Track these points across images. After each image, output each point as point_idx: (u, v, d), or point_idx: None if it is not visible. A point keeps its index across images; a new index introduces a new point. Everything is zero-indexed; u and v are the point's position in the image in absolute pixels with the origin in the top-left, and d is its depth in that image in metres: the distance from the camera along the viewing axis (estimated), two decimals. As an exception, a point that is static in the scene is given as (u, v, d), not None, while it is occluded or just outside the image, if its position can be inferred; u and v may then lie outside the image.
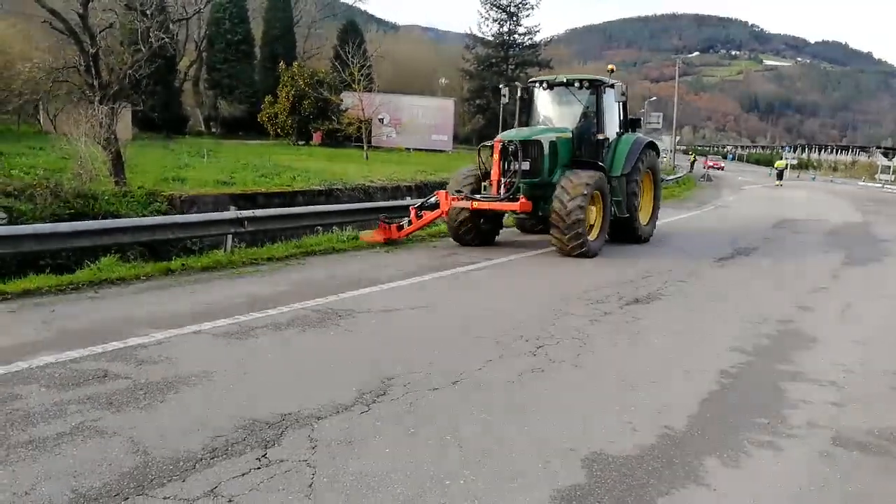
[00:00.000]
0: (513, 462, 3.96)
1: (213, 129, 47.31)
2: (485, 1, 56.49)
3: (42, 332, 6.16)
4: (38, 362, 5.31)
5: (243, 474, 3.68)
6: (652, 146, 13.84)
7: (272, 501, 3.43)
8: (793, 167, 60.68)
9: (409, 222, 11.94)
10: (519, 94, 13.52)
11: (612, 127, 12.94)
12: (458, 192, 11.72)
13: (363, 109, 36.88)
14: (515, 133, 11.98)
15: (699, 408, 4.94)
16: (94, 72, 15.35)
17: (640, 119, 15.48)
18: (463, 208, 11.51)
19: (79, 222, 9.57)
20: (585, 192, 10.81)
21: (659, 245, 13.47)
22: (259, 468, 3.76)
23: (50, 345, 5.78)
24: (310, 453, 3.96)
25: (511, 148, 11.34)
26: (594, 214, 11.57)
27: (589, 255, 11.07)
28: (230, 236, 10.44)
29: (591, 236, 11.42)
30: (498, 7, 56.12)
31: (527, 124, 13.23)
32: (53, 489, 3.46)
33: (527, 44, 57.59)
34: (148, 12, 17.61)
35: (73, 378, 5.01)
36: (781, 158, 59.57)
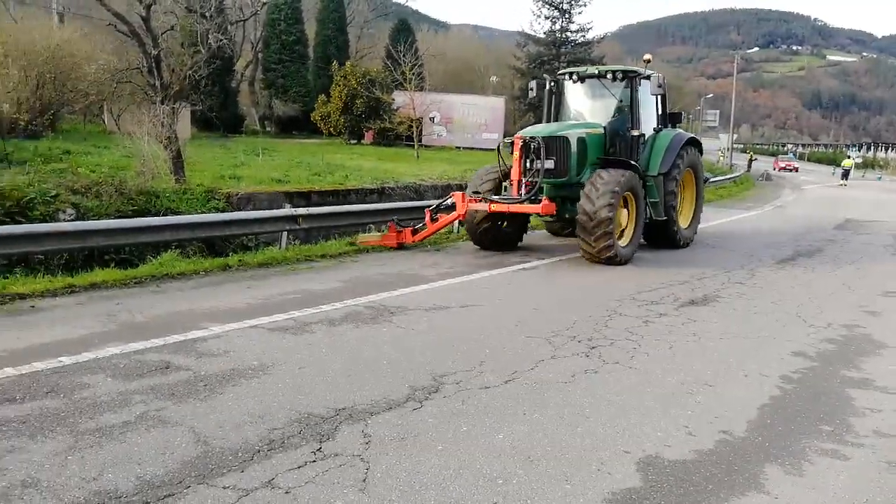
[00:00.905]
0: (566, 463, 3.92)
1: (268, 129, 48.27)
2: (537, -2, 56.06)
3: (108, 324, 6.39)
4: (104, 353, 5.52)
5: (299, 467, 3.75)
6: (693, 143, 12.85)
7: (327, 494, 3.48)
8: (857, 166, 58.37)
9: (424, 226, 11.26)
10: (548, 87, 12.57)
11: (648, 122, 12.03)
12: (476, 193, 10.97)
13: (414, 108, 37.06)
14: (539, 129, 11.18)
15: (759, 413, 4.80)
16: (156, 73, 15.81)
17: (680, 113, 14.12)
18: (482, 210, 10.74)
19: (142, 219, 9.92)
20: (615, 194, 9.92)
21: (714, 246, 13.15)
22: (314, 461, 3.82)
23: (115, 336, 6.00)
24: (363, 448, 4.00)
25: (533, 145, 10.48)
26: (625, 217, 10.71)
27: (619, 261, 10.17)
28: (285, 233, 10.64)
29: (623, 241, 10.61)
30: (550, 4, 55.59)
31: (557, 120, 12.38)
32: (119, 476, 3.59)
33: (579, 41, 56.89)
34: (207, 14, 18.08)
35: (137, 369, 5.19)
36: (847, 157, 57.24)
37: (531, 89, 12.87)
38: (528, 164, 10.53)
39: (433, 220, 11.16)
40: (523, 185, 10.51)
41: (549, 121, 12.33)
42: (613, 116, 11.66)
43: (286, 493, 3.47)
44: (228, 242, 12.00)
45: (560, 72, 12.75)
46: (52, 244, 8.30)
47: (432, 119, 45.31)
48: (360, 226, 12.67)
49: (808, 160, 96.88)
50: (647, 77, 11.71)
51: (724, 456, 4.11)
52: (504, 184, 11.08)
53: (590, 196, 9.95)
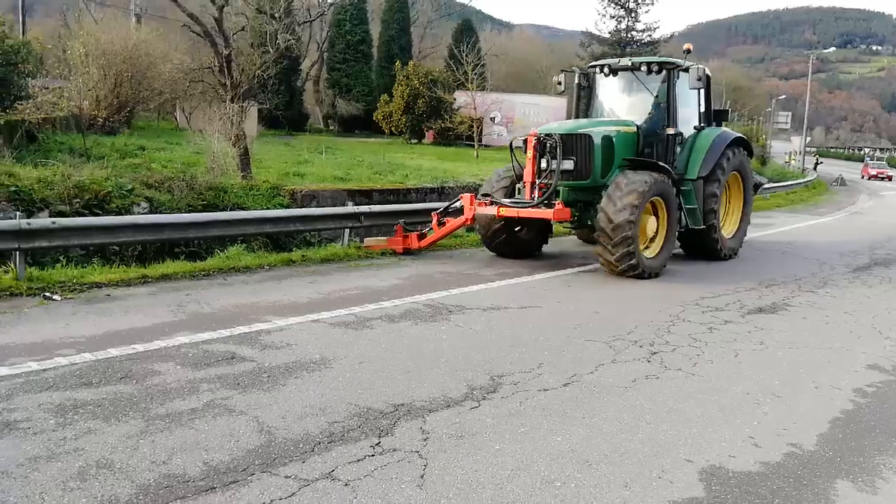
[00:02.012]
0: (626, 468, 3.86)
1: (331, 127, 49.13)
2: (603, -3, 55.24)
3: (178, 314, 6.64)
4: (174, 342, 5.73)
5: (358, 460, 3.81)
6: (740, 143, 11.58)
7: (385, 489, 3.52)
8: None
9: (432, 230, 10.49)
10: (577, 80, 11.47)
11: (688, 120, 10.92)
12: (486, 195, 10.05)
13: (475, 108, 37.08)
14: (557, 125, 10.28)
15: (830, 427, 4.61)
16: (226, 72, 16.31)
17: (727, 111, 12.82)
18: (491, 214, 9.80)
19: (212, 213, 10.24)
20: (640, 195, 8.98)
21: (784, 252, 12.69)
22: (373, 455, 3.87)
23: (184, 326, 6.22)
24: (421, 445, 4.03)
25: (549, 143, 9.46)
26: (653, 225, 9.67)
27: (643, 274, 9.21)
28: (347, 230, 10.81)
29: (650, 252, 9.62)
30: (616, 3, 54.73)
31: (588, 117, 11.35)
32: (187, 461, 3.72)
33: (645, 41, 55.82)
34: (276, 16, 18.53)
35: (204, 358, 5.37)
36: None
37: (558, 83, 11.67)
38: (544, 165, 9.59)
39: (440, 224, 10.38)
40: (537, 188, 9.53)
41: (577, 118, 11.39)
42: (650, 113, 10.66)
43: (345, 485, 3.53)
44: (292, 238, 12.27)
45: (590, 64, 11.69)
46: (128, 236, 8.67)
47: (493, 119, 45.22)
48: (419, 224, 12.74)
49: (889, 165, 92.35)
50: (686, 69, 10.48)
51: (793, 469, 3.96)
52: (518, 185, 10.10)
53: (612, 198, 9.06)
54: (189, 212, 10.89)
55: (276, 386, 4.85)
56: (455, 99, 41.46)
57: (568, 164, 9.53)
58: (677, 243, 10.89)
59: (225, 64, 16.20)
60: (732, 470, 3.91)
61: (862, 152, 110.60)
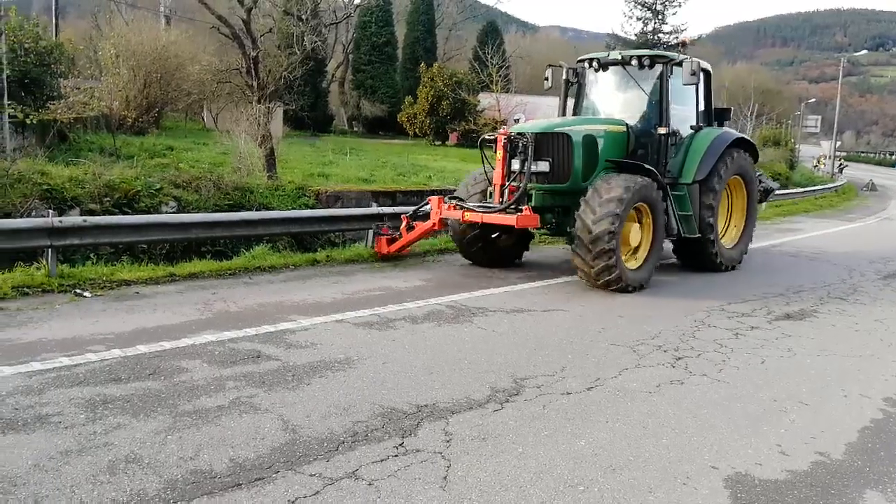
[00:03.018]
0: (650, 474, 3.84)
1: (356, 128, 49.40)
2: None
3: (204, 313, 6.72)
4: (201, 340, 5.81)
5: (382, 460, 3.83)
6: (742, 144, 10.65)
7: (408, 489, 3.54)
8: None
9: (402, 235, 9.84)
10: (564, 76, 10.56)
11: (683, 118, 10.04)
12: (454, 198, 9.33)
13: (499, 110, 37.07)
14: (531, 124, 9.50)
15: (859, 436, 4.54)
16: (253, 73, 16.51)
17: (729, 109, 11.69)
18: (459, 219, 9.05)
19: (239, 213, 10.36)
20: (618, 211, 8.14)
21: (813, 258, 12.50)
22: (397, 455, 3.89)
23: (211, 324, 6.30)
24: (444, 446, 4.05)
25: (522, 142, 8.70)
26: (637, 234, 8.90)
27: (627, 288, 8.46)
28: (371, 231, 10.86)
29: (633, 263, 8.84)
30: (643, 5, 54.33)
31: (576, 115, 10.57)
32: (214, 457, 3.77)
33: (671, 43, 55.36)
34: (303, 17, 18.71)
35: (230, 356, 5.43)
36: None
37: (546, 78, 10.87)
38: (517, 166, 8.76)
39: (409, 228, 9.71)
40: (507, 191, 8.76)
41: (565, 118, 10.47)
42: (644, 112, 9.87)
43: (369, 484, 3.56)
44: (317, 238, 12.37)
45: (579, 58, 10.69)
46: (156, 234, 8.80)
47: (517, 121, 44.85)
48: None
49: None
50: (679, 63, 9.50)
51: (820, 478, 3.91)
52: (489, 188, 9.23)
53: (591, 205, 8.30)
54: (216, 211, 11.03)
55: (301, 385, 4.89)
56: (479, 101, 41.46)
57: (543, 166, 8.81)
58: (671, 253, 10.49)
59: (252, 65, 16.39)
60: (759, 478, 3.87)
61: (893, 157, 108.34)
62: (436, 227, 9.35)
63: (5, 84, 12.65)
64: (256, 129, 15.80)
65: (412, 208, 10.34)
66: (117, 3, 32.68)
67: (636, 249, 8.99)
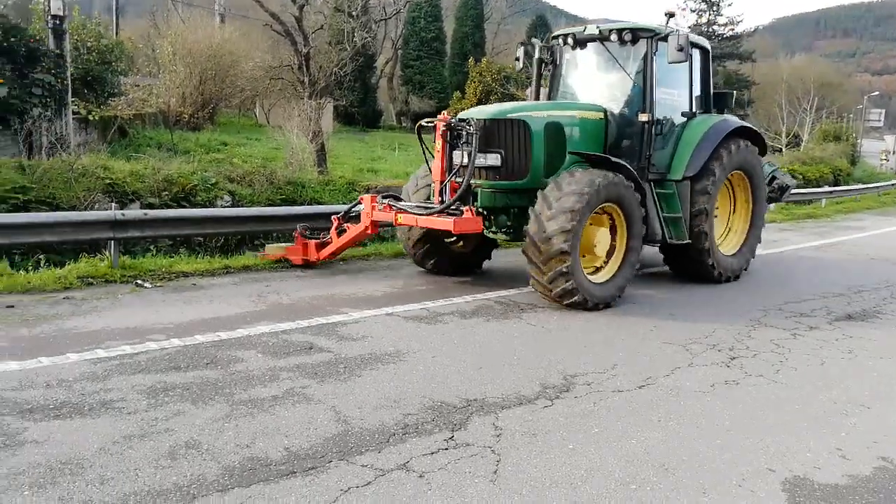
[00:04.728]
0: (704, 475, 3.77)
1: (404, 124, 49.66)
2: (682, -10, 53.65)
3: (259, 304, 6.88)
4: (255, 331, 5.95)
5: (432, 453, 3.86)
6: (745, 133, 9.13)
7: (459, 482, 3.56)
8: None
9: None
10: (537, 55, 9.20)
11: (672, 103, 8.62)
12: (388, 197, 8.18)
13: (549, 105, 36.77)
14: (478, 110, 8.25)
15: (926, 442, 4.37)
16: (305, 70, 16.77)
17: (731, 94, 9.73)
18: (392, 222, 7.90)
19: (291, 207, 10.54)
20: (578, 208, 6.88)
21: (875, 257, 12.05)
22: (447, 449, 3.92)
23: (265, 316, 6.45)
24: (494, 440, 4.05)
25: (466, 130, 7.47)
26: (605, 241, 7.57)
27: (586, 304, 7.09)
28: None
29: (600, 276, 7.52)
30: (697, -4, 53.06)
31: (551, 100, 9.16)
32: (269, 446, 3.86)
33: (727, 35, 53.91)
34: (354, 13, 18.89)
35: (284, 347, 5.55)
36: None
37: (517, 59, 9.46)
38: (459, 159, 7.59)
39: (340, 231, 8.51)
40: (447, 188, 7.59)
41: (541, 100, 9.23)
42: (628, 97, 8.50)
43: (420, 476, 3.59)
44: (366, 233, 12.46)
45: (553, 33, 9.36)
46: (213, 228, 9.05)
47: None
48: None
49: None
50: (664, 38, 7.99)
51: (883, 483, 3.78)
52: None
53: (547, 200, 7.09)
54: (269, 205, 11.23)
55: (353, 377, 4.97)
56: (528, 95, 41.18)
57: (492, 159, 7.56)
58: (662, 261, 9.36)
59: (304, 62, 16.65)
60: (818, 482, 3.77)
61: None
62: (369, 231, 8.20)
63: (69, 81, 13.14)
64: (308, 125, 16.02)
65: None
66: (174, 1, 33.55)
67: (607, 259, 7.69)
